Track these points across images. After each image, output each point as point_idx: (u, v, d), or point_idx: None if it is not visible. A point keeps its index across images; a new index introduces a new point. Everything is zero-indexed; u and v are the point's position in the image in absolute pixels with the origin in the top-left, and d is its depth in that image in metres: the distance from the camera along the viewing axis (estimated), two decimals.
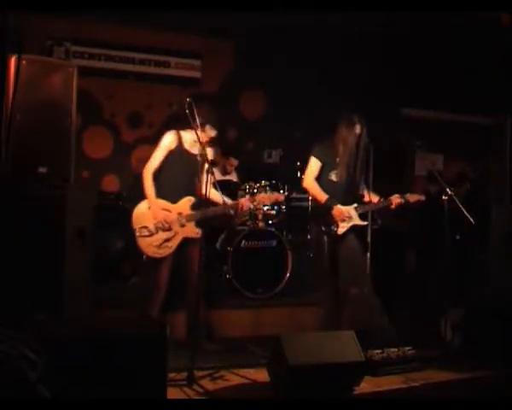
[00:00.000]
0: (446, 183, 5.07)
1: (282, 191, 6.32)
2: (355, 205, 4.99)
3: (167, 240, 4.61)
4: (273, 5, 5.53)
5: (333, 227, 4.91)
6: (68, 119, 4.81)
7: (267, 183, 6.29)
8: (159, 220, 4.59)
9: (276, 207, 6.35)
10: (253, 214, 6.22)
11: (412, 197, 5.11)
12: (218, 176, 6.18)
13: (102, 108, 7.07)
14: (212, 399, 3.85)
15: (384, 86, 7.24)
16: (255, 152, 7.53)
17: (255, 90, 7.67)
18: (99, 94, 7.00)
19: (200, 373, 4.20)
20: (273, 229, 6.12)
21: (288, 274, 5.94)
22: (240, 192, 6.24)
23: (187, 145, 4.70)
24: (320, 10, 5.85)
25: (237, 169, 6.88)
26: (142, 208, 4.65)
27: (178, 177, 4.67)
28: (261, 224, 6.24)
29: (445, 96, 7.44)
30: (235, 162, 6.83)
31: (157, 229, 4.60)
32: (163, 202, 4.64)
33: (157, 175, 4.66)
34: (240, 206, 4.77)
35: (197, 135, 4.41)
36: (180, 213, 4.65)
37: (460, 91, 7.37)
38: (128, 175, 6.88)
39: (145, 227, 4.60)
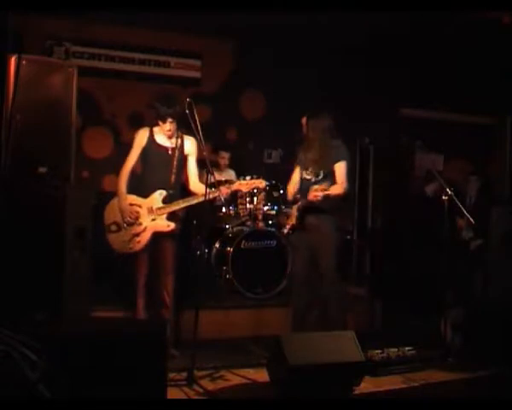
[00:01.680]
0: (454, 182, 5.05)
1: (281, 191, 6.32)
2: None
3: (136, 235, 4.59)
4: (273, 5, 5.52)
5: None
6: (68, 119, 4.81)
7: (267, 183, 6.28)
8: (125, 215, 4.58)
9: (275, 208, 6.35)
10: (253, 215, 6.21)
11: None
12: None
13: (102, 108, 7.06)
14: (212, 399, 3.85)
15: (384, 86, 7.23)
16: (255, 152, 7.52)
17: (255, 90, 7.66)
18: (99, 94, 6.99)
19: (200, 373, 4.20)
20: (273, 229, 6.11)
21: (288, 274, 5.93)
22: (239, 192, 6.23)
23: (159, 140, 4.69)
24: (320, 10, 5.84)
25: (233, 166, 6.85)
26: (112, 205, 4.68)
27: (153, 172, 4.66)
28: (261, 224, 6.24)
29: (445, 96, 7.43)
30: (225, 155, 6.78)
31: (125, 224, 4.60)
32: (132, 198, 4.63)
33: (134, 173, 4.68)
34: (219, 194, 4.60)
35: (199, 137, 4.38)
36: (150, 208, 4.62)
37: (460, 91, 7.37)
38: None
39: (114, 223, 4.63)
